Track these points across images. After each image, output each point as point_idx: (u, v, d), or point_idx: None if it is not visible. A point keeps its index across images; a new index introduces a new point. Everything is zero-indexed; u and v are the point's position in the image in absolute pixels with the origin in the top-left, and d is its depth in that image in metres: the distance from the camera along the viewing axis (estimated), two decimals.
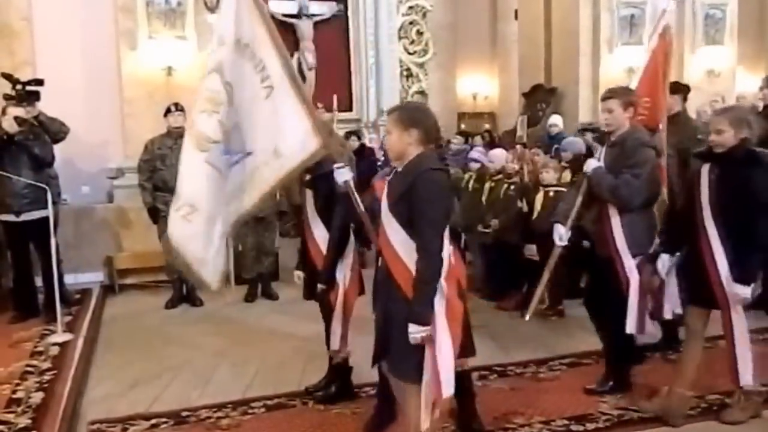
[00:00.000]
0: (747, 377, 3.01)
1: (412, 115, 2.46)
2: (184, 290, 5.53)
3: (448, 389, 2.35)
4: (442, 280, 2.34)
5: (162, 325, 4.98)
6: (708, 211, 2.95)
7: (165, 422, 3.24)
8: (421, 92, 8.79)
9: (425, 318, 2.29)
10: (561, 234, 3.33)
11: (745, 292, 2.87)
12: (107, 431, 3.18)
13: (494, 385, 3.56)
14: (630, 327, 3.18)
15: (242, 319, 5.09)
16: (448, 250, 2.39)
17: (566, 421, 3.12)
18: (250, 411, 3.35)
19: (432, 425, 2.38)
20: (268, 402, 3.44)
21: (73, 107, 5.84)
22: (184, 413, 3.33)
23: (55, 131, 5.12)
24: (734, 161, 2.90)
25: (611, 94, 3.26)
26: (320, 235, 3.31)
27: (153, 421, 3.25)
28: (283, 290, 5.72)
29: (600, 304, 3.43)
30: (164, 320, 5.11)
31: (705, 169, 2.99)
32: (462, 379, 2.95)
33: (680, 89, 4.65)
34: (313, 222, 3.34)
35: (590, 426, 3.07)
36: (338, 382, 3.45)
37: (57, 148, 5.19)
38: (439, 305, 2.33)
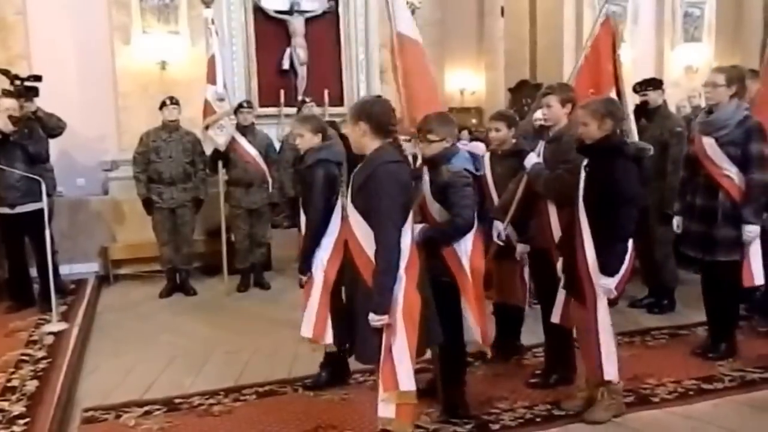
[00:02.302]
0: (611, 372, 2.98)
1: (360, 108, 2.52)
2: (177, 280, 5.60)
3: (407, 383, 2.37)
4: (402, 271, 2.37)
5: (156, 314, 5.03)
6: (581, 203, 2.97)
7: (158, 409, 3.29)
8: None
9: (382, 307, 2.34)
10: (500, 230, 3.39)
11: (608, 283, 2.88)
12: (101, 418, 3.21)
13: (479, 371, 3.62)
14: (554, 317, 3.24)
15: (235, 308, 5.16)
16: (408, 242, 2.41)
17: (548, 406, 3.19)
18: (241, 398, 3.41)
19: (403, 419, 2.41)
20: (260, 389, 3.50)
21: (67, 101, 5.86)
22: (177, 400, 3.38)
23: (53, 127, 5.14)
24: (600, 153, 2.93)
25: (550, 90, 3.31)
26: (303, 226, 3.40)
27: (146, 408, 3.30)
28: (275, 280, 5.81)
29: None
30: (158, 309, 5.16)
31: (583, 163, 3.02)
32: (456, 368, 3.09)
33: (658, 84, 4.78)
34: (301, 213, 3.42)
35: (572, 411, 3.13)
36: (329, 368, 3.52)
37: (52, 141, 5.22)
38: (398, 297, 2.37)
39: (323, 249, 3.21)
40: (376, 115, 2.46)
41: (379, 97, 2.66)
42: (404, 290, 2.38)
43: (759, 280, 3.62)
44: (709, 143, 3.58)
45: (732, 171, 3.53)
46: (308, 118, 3.68)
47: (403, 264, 2.39)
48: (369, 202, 2.39)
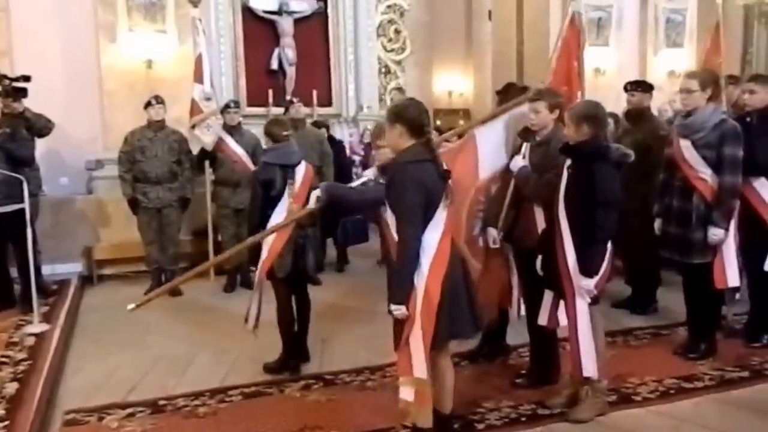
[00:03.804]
0: (590, 368, 3.01)
1: (395, 110, 2.68)
2: (163, 280, 5.56)
3: (420, 371, 2.53)
4: (426, 266, 2.52)
5: (140, 314, 4.85)
6: (561, 204, 3.02)
7: (141, 411, 3.25)
8: (399, 89, 8.95)
9: (397, 298, 2.53)
10: (493, 236, 3.41)
11: (589, 284, 2.95)
12: (83, 420, 3.17)
13: (466, 371, 3.63)
14: (542, 319, 3.27)
15: (221, 308, 5.12)
16: (436, 239, 2.55)
17: (533, 406, 3.21)
18: (227, 399, 3.39)
19: (418, 405, 2.55)
20: (246, 390, 3.48)
21: (52, 99, 5.77)
22: (161, 402, 3.35)
23: (41, 127, 5.09)
24: (583, 156, 2.98)
25: (539, 96, 3.34)
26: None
27: (129, 410, 3.26)
28: None
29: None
30: (143, 310, 5.07)
31: (566, 164, 3.06)
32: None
33: (648, 87, 4.83)
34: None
35: (557, 410, 3.15)
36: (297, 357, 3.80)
37: (37, 140, 5.17)
38: (419, 290, 2.52)
39: (263, 248, 3.52)
40: (411, 116, 2.60)
41: (412, 99, 2.80)
42: (426, 284, 2.52)
43: (733, 281, 3.66)
44: (685, 145, 3.62)
45: (707, 173, 3.57)
46: (271, 122, 3.87)
47: (428, 259, 2.53)
48: (391, 201, 2.57)
